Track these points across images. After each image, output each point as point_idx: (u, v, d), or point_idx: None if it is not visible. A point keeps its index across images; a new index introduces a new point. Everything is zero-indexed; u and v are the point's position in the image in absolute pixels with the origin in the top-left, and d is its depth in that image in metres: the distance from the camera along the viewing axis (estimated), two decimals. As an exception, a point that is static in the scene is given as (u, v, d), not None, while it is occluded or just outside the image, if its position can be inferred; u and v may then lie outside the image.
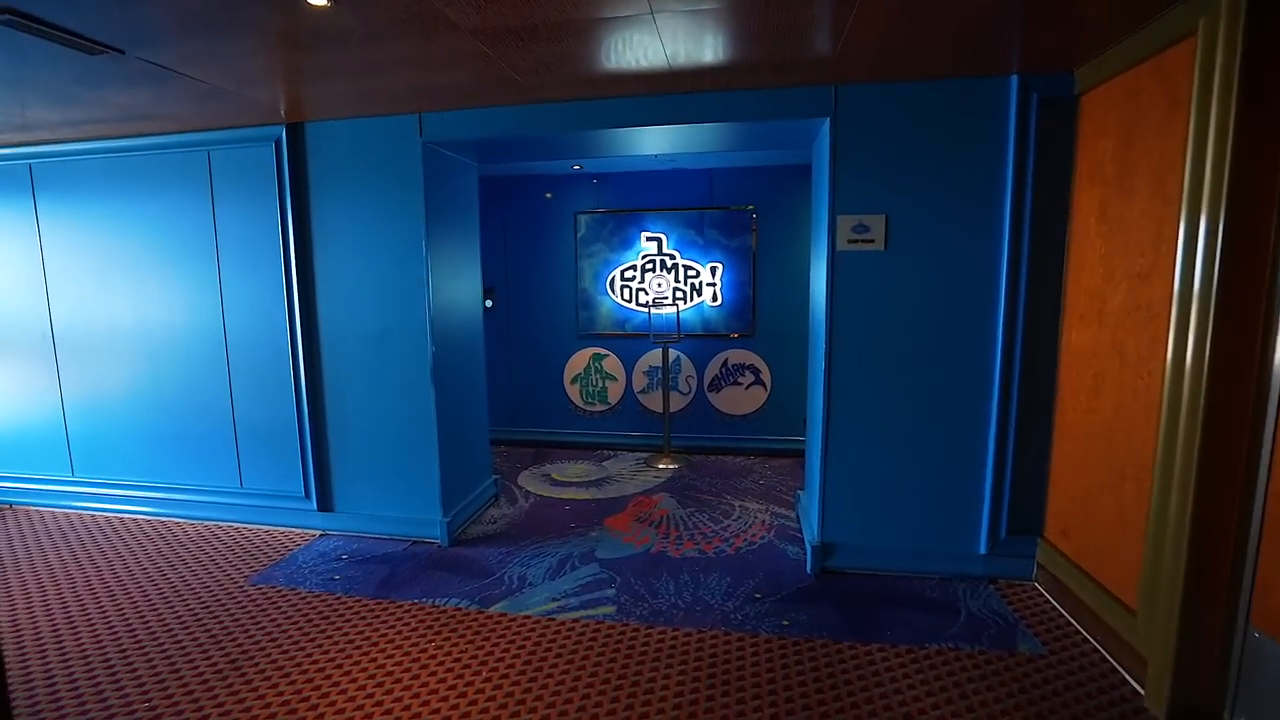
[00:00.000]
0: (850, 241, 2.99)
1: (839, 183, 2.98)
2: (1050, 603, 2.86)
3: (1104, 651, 2.47)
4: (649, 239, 5.25)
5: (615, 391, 5.48)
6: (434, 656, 2.50)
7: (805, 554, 3.33)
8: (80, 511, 4.13)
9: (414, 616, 2.81)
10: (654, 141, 3.60)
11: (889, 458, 3.09)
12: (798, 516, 3.89)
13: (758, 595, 2.98)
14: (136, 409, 3.93)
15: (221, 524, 3.89)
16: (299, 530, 3.78)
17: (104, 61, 2.43)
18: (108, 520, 3.99)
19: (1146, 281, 2.28)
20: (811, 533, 3.30)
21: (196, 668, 2.44)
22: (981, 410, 2.99)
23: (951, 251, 2.93)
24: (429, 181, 3.39)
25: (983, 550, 3.06)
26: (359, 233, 3.47)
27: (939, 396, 3.02)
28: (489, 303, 5.55)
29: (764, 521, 3.86)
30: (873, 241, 2.98)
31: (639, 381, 5.42)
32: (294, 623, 2.76)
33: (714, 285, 5.20)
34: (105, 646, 2.59)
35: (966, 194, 2.89)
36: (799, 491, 3.99)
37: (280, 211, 3.50)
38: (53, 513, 4.15)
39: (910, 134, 2.90)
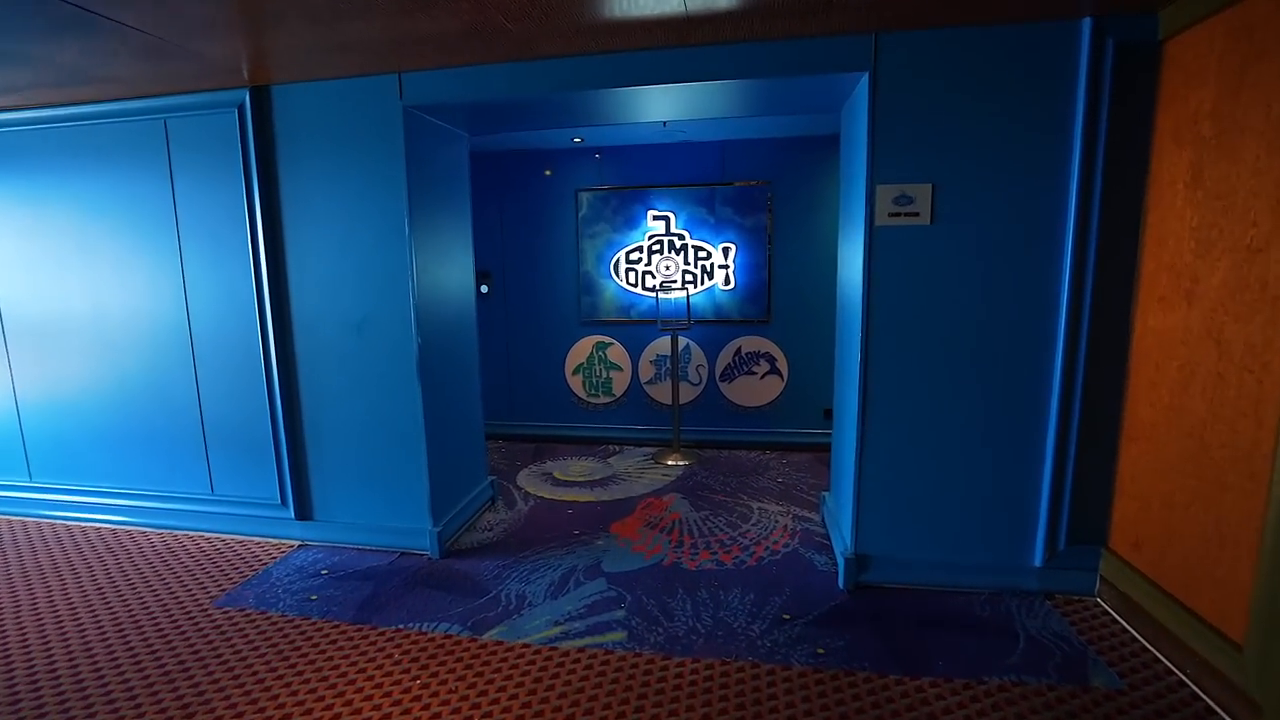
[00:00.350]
0: (891, 215, 2.62)
1: (878, 148, 2.59)
2: (1119, 623, 2.52)
3: (1195, 687, 2.13)
4: (656, 218, 4.87)
5: (621, 382, 5.12)
6: (418, 697, 2.16)
7: (836, 566, 3.00)
8: (39, 519, 3.79)
9: (398, 646, 2.47)
10: (663, 106, 3.20)
11: (933, 459, 2.74)
12: (823, 520, 3.55)
13: (786, 616, 2.65)
14: (96, 406, 3.57)
15: (191, 533, 3.55)
16: (276, 541, 3.44)
17: (13, 2, 2.05)
18: (68, 529, 3.65)
19: (1260, 257, 1.91)
20: (843, 543, 2.95)
21: (142, 715, 2.10)
22: (1040, 405, 2.63)
23: (1008, 225, 2.56)
24: (412, 152, 3.01)
25: (1038, 562, 2.72)
26: (334, 210, 3.09)
27: (991, 389, 2.66)
28: (484, 288, 5.18)
29: (786, 526, 3.52)
30: (917, 215, 2.61)
31: (646, 371, 5.06)
32: (260, 655, 2.42)
33: (726, 268, 4.82)
34: (40, 689, 2.26)
35: (1027, 159, 2.51)
36: (824, 493, 3.64)
37: (246, 186, 3.12)
38: (9, 520, 3.81)
39: (962, 89, 2.51)
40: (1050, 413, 2.62)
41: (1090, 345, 2.55)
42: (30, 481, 3.79)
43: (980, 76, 2.49)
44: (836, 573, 2.95)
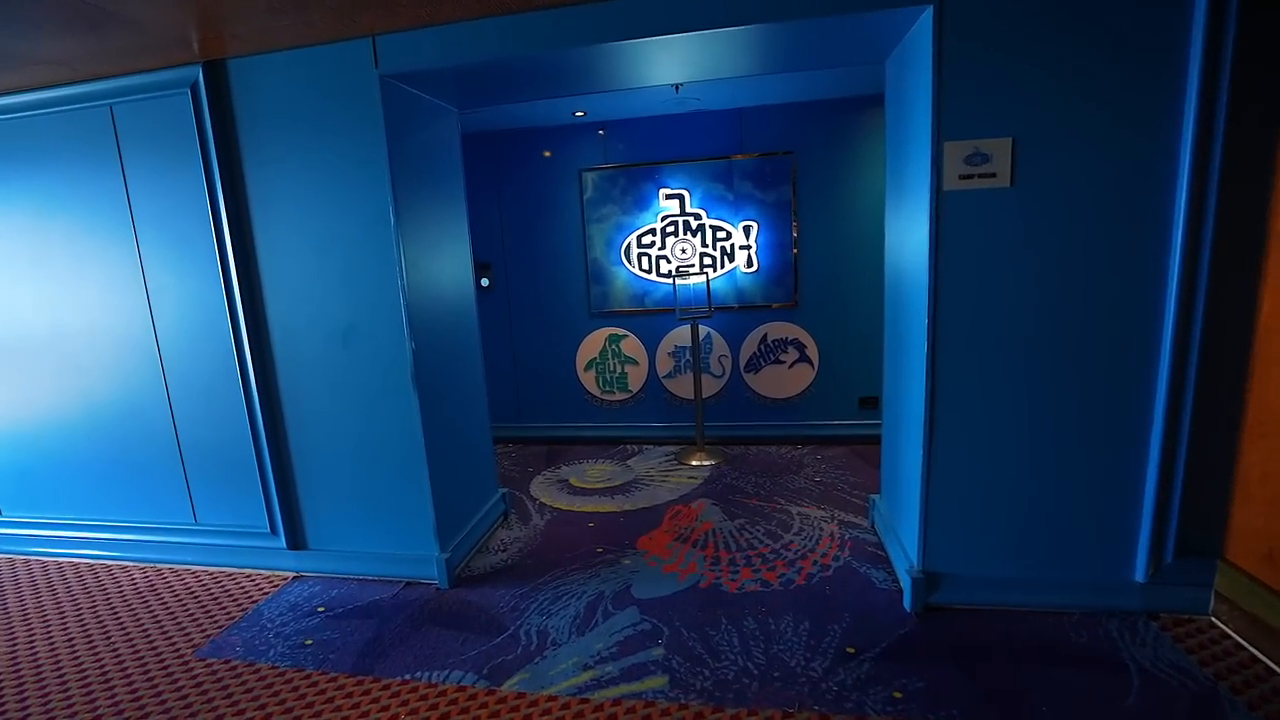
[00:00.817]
0: (962, 178, 2.20)
1: (946, 96, 2.17)
2: (1246, 649, 2.15)
3: (1368, 738, 1.76)
4: (668, 197, 4.45)
5: (637, 377, 4.74)
6: (429, 776, 1.83)
7: (898, 583, 2.64)
8: (12, 555, 3.47)
9: (403, 703, 2.13)
10: (677, 64, 2.78)
11: (1015, 460, 2.36)
12: (874, 526, 3.19)
13: (850, 649, 2.29)
14: (65, 432, 3.23)
15: (176, 567, 3.22)
16: (268, 573, 3.10)
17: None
18: (42, 565, 3.33)
19: None
20: (907, 559, 2.59)
21: (104, 808, 1.78)
22: (1144, 394, 2.23)
23: (1105, 183, 2.14)
24: (393, 129, 2.61)
25: (1140, 577, 2.34)
26: (309, 199, 2.70)
27: (1085, 376, 2.26)
28: (484, 281, 4.79)
29: (833, 535, 3.15)
30: (994, 176, 2.19)
31: (664, 364, 4.68)
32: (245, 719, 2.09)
33: (748, 248, 4.41)
34: (-10, 773, 1.94)
35: (1129, 103, 2.08)
36: (872, 496, 3.27)
37: (206, 179, 2.73)
38: (-20, 558, 3.50)
39: (1048, 21, 2.08)
40: (1157, 403, 2.22)
41: (1206, 325, 2.14)
42: (0, 516, 3.47)
43: (1072, 6, 2.06)
44: (900, 592, 2.59)
